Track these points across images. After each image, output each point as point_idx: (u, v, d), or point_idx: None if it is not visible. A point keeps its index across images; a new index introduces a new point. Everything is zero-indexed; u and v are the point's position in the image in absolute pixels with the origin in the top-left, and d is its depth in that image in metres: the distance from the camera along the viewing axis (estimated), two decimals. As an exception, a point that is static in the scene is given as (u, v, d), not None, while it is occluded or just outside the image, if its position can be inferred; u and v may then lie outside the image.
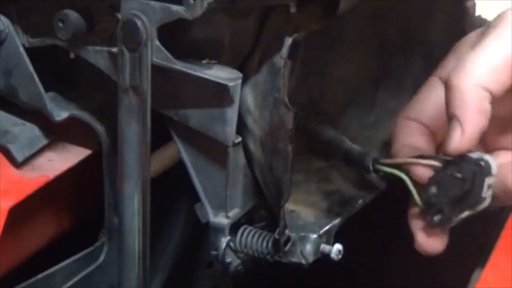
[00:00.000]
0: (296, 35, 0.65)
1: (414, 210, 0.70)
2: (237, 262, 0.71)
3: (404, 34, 0.84)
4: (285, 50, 0.65)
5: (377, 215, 0.82)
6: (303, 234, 0.71)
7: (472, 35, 0.74)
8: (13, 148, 0.75)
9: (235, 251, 0.70)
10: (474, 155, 0.67)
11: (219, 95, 0.66)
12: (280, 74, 0.65)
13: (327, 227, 0.72)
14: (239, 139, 0.69)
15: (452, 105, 0.67)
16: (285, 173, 0.65)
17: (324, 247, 0.70)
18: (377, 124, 0.83)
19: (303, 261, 0.70)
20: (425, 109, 0.74)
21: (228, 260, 0.70)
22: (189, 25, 0.64)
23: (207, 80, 0.65)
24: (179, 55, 0.65)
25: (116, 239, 0.73)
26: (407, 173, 0.70)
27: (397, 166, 0.71)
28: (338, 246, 0.70)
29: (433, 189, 0.68)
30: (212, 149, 0.69)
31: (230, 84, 0.65)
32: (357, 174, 0.79)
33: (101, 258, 0.79)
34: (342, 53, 0.85)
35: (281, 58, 0.65)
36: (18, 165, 0.76)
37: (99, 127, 0.76)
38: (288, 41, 0.64)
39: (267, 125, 0.67)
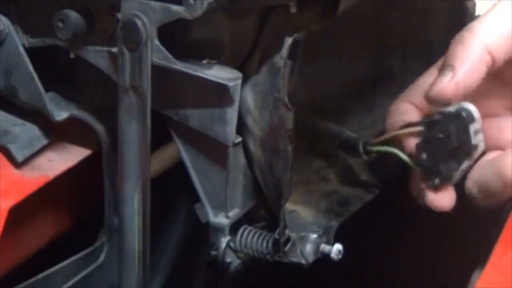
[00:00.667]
0: (296, 35, 0.65)
1: (415, 177, 0.71)
2: (237, 262, 0.71)
3: (404, 34, 0.84)
4: (285, 50, 0.65)
5: (377, 215, 0.82)
6: (303, 234, 0.71)
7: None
8: (13, 148, 0.75)
9: (235, 251, 0.70)
10: (453, 108, 0.68)
11: (219, 95, 0.66)
12: (280, 74, 0.65)
13: (327, 227, 0.72)
14: (239, 139, 0.69)
15: (453, 54, 0.68)
16: (285, 173, 0.66)
17: (324, 247, 0.70)
18: (377, 124, 0.83)
19: (303, 261, 0.70)
20: (419, 92, 0.74)
21: (228, 260, 0.70)
22: (189, 25, 0.64)
23: (207, 80, 0.65)
24: (179, 55, 0.65)
25: (116, 239, 0.73)
26: (397, 146, 0.70)
27: (386, 143, 0.72)
28: (338, 246, 0.70)
29: (424, 155, 0.69)
30: (212, 149, 0.69)
31: (230, 84, 0.65)
32: (357, 174, 0.79)
33: (101, 258, 0.79)
34: (342, 53, 0.85)
35: (281, 58, 0.65)
36: (18, 165, 0.76)
37: (99, 127, 0.76)
38: (288, 41, 0.65)
39: (267, 125, 0.67)
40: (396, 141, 0.72)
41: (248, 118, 0.69)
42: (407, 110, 0.74)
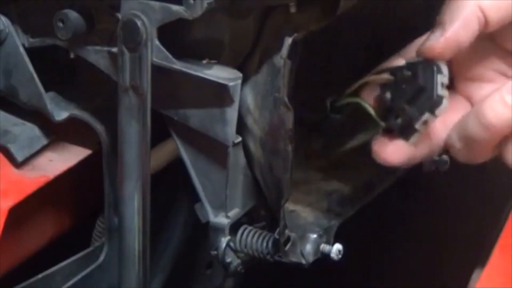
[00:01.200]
0: (296, 35, 0.65)
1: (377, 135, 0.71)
2: (237, 262, 0.71)
3: (404, 34, 0.84)
4: (285, 50, 0.65)
5: (376, 215, 0.82)
6: (303, 234, 0.71)
7: None
8: (13, 148, 0.75)
9: (235, 251, 0.70)
10: (420, 58, 0.68)
11: (219, 95, 0.66)
12: (280, 74, 0.65)
13: (327, 227, 0.72)
14: (239, 139, 0.69)
15: (445, 12, 0.68)
16: (285, 173, 0.66)
17: (324, 247, 0.70)
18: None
19: (303, 261, 0.70)
20: (414, 49, 0.74)
21: (228, 260, 0.70)
22: (189, 25, 0.64)
23: (207, 80, 0.65)
24: (179, 55, 0.65)
25: (116, 239, 0.73)
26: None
27: (357, 91, 0.72)
28: (338, 246, 0.70)
29: (388, 94, 0.68)
30: (212, 149, 0.69)
31: (230, 84, 0.65)
32: (357, 174, 0.79)
33: (101, 258, 0.79)
34: (342, 53, 0.85)
35: (281, 58, 0.65)
36: (18, 165, 0.76)
37: (99, 127, 0.76)
38: (288, 41, 0.65)
39: (267, 125, 0.67)
40: (367, 92, 0.71)
41: (248, 118, 0.69)
42: (397, 62, 0.74)
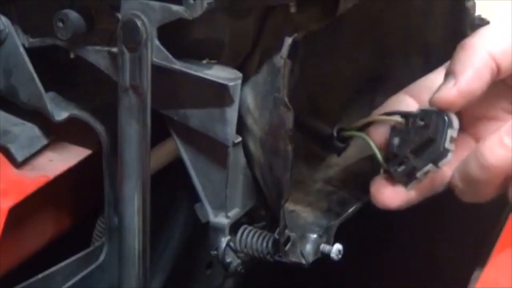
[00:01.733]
0: (296, 35, 0.65)
1: (378, 175, 0.71)
2: (237, 262, 0.71)
3: (404, 34, 0.84)
4: (285, 50, 0.65)
5: (376, 215, 0.82)
6: (303, 234, 0.71)
7: None
8: (13, 148, 0.75)
9: (235, 251, 0.70)
10: (435, 108, 0.68)
11: (219, 95, 0.66)
12: (280, 74, 0.65)
13: (327, 227, 0.72)
14: (239, 139, 0.69)
15: (456, 61, 0.67)
16: (285, 173, 0.66)
17: (324, 247, 0.70)
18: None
19: (303, 261, 0.70)
20: (425, 89, 0.74)
21: (228, 260, 0.70)
22: (189, 25, 0.64)
23: (207, 80, 0.65)
24: (179, 55, 0.65)
25: (116, 239, 0.73)
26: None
27: (364, 127, 0.72)
28: (338, 246, 0.70)
29: (396, 140, 0.68)
30: (212, 149, 0.69)
31: (230, 84, 0.65)
32: (358, 175, 0.79)
33: (101, 258, 0.79)
34: (342, 53, 0.85)
35: (281, 58, 0.65)
36: (18, 165, 0.76)
37: (99, 127, 0.76)
38: (288, 41, 0.64)
39: (267, 125, 0.67)
40: (373, 129, 0.71)
41: (248, 118, 0.69)
42: (403, 101, 0.74)
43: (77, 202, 0.83)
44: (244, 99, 0.68)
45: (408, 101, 0.74)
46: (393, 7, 0.83)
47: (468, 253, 0.71)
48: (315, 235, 0.71)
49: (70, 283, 0.77)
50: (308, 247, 0.70)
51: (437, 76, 0.74)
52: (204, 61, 0.67)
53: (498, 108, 0.72)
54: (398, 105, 0.74)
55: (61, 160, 0.78)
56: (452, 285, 0.76)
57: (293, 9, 0.66)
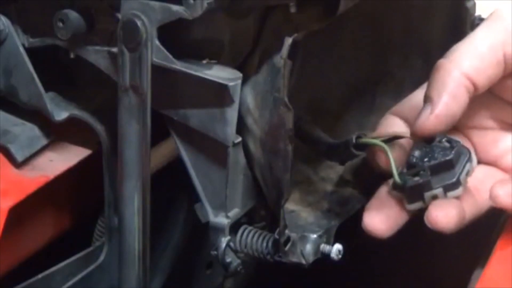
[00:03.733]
0: (296, 35, 0.65)
1: (384, 187, 0.71)
2: (237, 262, 0.71)
3: (404, 34, 0.84)
4: (285, 50, 0.65)
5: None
6: (303, 234, 0.71)
7: None
8: (13, 148, 0.75)
9: (235, 251, 0.70)
10: (459, 140, 0.68)
11: (219, 95, 0.66)
12: (280, 74, 0.65)
13: (327, 227, 0.72)
14: (239, 139, 0.69)
15: (431, 86, 0.68)
16: (285, 173, 0.66)
17: (324, 247, 0.70)
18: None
19: (303, 261, 0.70)
20: (411, 109, 0.74)
21: (228, 260, 0.70)
22: (189, 25, 0.65)
23: (207, 80, 0.65)
24: (179, 55, 0.65)
25: (116, 239, 0.73)
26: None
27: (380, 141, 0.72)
28: (338, 246, 0.70)
29: (416, 153, 0.68)
30: (212, 149, 0.69)
31: (230, 84, 0.65)
32: (358, 175, 0.79)
33: (101, 258, 0.79)
34: (342, 53, 0.85)
35: (281, 58, 0.65)
36: (18, 165, 0.76)
37: (99, 127, 0.76)
38: (288, 41, 0.64)
39: (267, 125, 0.67)
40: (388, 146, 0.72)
41: (248, 118, 0.69)
42: (396, 125, 0.74)
43: (77, 202, 0.83)
44: (244, 99, 0.68)
45: (397, 122, 0.74)
46: (393, 7, 0.83)
47: (468, 253, 0.71)
48: (315, 235, 0.71)
49: (70, 283, 0.77)
50: (308, 247, 0.70)
51: (422, 94, 0.74)
52: (204, 61, 0.67)
53: (490, 118, 0.72)
54: (388, 126, 0.74)
55: (61, 160, 0.78)
56: (452, 285, 0.76)
57: (293, 9, 0.66)
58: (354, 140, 0.73)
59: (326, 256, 0.70)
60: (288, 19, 0.68)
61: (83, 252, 0.79)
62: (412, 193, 0.69)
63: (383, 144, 0.71)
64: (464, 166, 0.67)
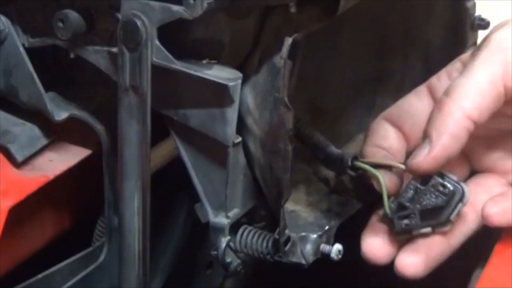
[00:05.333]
0: (296, 35, 0.65)
1: (378, 214, 0.72)
2: (237, 262, 0.71)
3: (404, 34, 0.84)
4: (285, 50, 0.64)
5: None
6: (303, 234, 0.71)
7: (464, 56, 0.74)
8: (13, 148, 0.75)
9: (235, 251, 0.70)
10: (454, 177, 0.68)
11: (219, 95, 0.66)
12: (280, 74, 0.65)
13: (327, 227, 0.72)
14: (239, 139, 0.69)
15: (432, 124, 0.67)
16: (285, 173, 0.65)
17: (324, 247, 0.70)
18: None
19: (303, 261, 0.70)
20: (405, 115, 0.74)
21: (228, 260, 0.70)
22: (189, 25, 0.64)
23: (207, 80, 0.65)
24: (179, 55, 0.65)
25: (116, 239, 0.73)
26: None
27: (376, 166, 0.72)
28: (338, 246, 0.70)
29: (410, 193, 0.69)
30: (212, 149, 0.69)
31: (230, 84, 0.65)
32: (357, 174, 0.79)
33: (101, 258, 0.79)
34: (342, 53, 0.85)
35: (281, 58, 0.65)
36: (18, 165, 0.76)
37: (99, 127, 0.76)
38: (288, 41, 0.64)
39: (267, 125, 0.67)
40: (383, 172, 0.71)
41: (248, 118, 0.69)
42: (389, 134, 0.74)
43: (77, 202, 0.83)
44: (244, 99, 0.68)
45: (391, 132, 0.74)
46: (393, 7, 0.83)
47: (468, 253, 0.71)
48: (315, 235, 0.71)
49: (70, 283, 0.77)
50: (308, 247, 0.70)
51: (417, 101, 0.74)
52: (204, 61, 0.67)
53: (484, 126, 0.71)
54: (382, 137, 0.74)
55: (61, 160, 0.78)
56: (452, 285, 0.76)
57: (293, 9, 0.66)
58: (349, 163, 0.74)
59: (326, 256, 0.70)
60: (288, 19, 0.68)
61: (83, 252, 0.79)
62: (402, 231, 0.69)
63: (377, 173, 0.71)
64: (456, 206, 0.68)
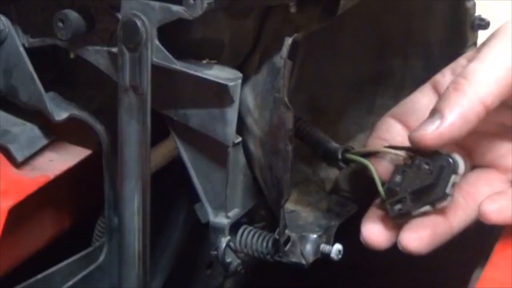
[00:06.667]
0: (296, 35, 0.65)
1: (377, 202, 0.72)
2: (237, 262, 0.71)
3: (404, 34, 0.84)
4: (285, 50, 0.65)
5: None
6: (303, 234, 0.71)
7: (469, 54, 0.74)
8: (13, 148, 0.75)
9: (235, 251, 0.70)
10: (443, 151, 0.68)
11: (219, 95, 0.66)
12: (280, 74, 0.65)
13: (327, 227, 0.72)
14: (239, 139, 0.69)
15: (445, 101, 0.67)
16: (285, 173, 0.65)
17: (324, 247, 0.70)
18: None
19: (303, 261, 0.70)
20: (410, 110, 0.74)
21: (228, 260, 0.70)
22: (189, 25, 0.65)
23: (207, 80, 0.65)
24: (179, 55, 0.65)
25: (116, 239, 0.73)
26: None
27: (366, 156, 0.72)
28: (338, 246, 0.70)
29: (398, 178, 0.69)
30: (212, 149, 0.69)
31: (230, 84, 0.65)
32: (357, 174, 0.79)
33: (101, 258, 0.79)
34: (342, 53, 0.85)
35: (281, 58, 0.65)
36: (18, 165, 0.76)
37: (99, 127, 0.76)
38: (288, 41, 0.64)
39: (267, 125, 0.67)
40: (375, 160, 0.72)
41: (248, 118, 0.69)
42: (394, 129, 0.74)
43: (77, 202, 0.83)
44: (244, 99, 0.68)
45: (395, 126, 0.74)
46: (393, 7, 0.83)
47: (468, 253, 0.71)
48: (315, 235, 0.71)
49: (70, 283, 0.77)
50: (308, 247, 0.70)
51: (421, 97, 0.74)
52: (204, 61, 0.67)
53: (486, 122, 0.71)
54: (385, 130, 0.74)
55: (61, 160, 0.78)
56: (452, 285, 0.76)
57: (293, 9, 0.66)
58: (340, 155, 0.74)
59: (326, 256, 0.70)
60: (288, 19, 0.68)
61: (83, 252, 0.80)
62: (398, 216, 0.69)
63: (367, 163, 0.71)
64: (449, 179, 0.67)
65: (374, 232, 0.70)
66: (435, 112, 0.67)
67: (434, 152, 0.68)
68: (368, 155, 0.73)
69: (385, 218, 0.70)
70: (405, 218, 0.69)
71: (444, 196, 0.68)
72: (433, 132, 0.66)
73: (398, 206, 0.69)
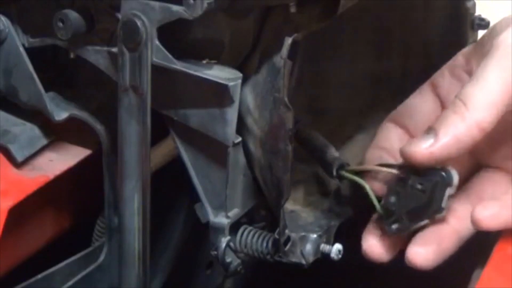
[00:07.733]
0: (296, 35, 0.65)
1: (375, 217, 0.72)
2: (237, 262, 0.71)
3: (404, 34, 0.84)
4: (285, 50, 0.65)
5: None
6: (303, 234, 0.71)
7: (466, 50, 0.74)
8: (13, 148, 0.75)
9: (235, 251, 0.70)
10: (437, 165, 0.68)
11: (219, 95, 0.66)
12: (280, 74, 0.65)
13: (327, 227, 0.72)
14: (239, 139, 0.69)
15: (442, 121, 0.67)
16: (285, 173, 0.65)
17: (324, 247, 0.70)
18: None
19: (303, 261, 0.70)
20: (409, 114, 0.74)
21: (228, 260, 0.70)
22: (189, 25, 0.64)
23: (207, 80, 0.65)
24: (179, 55, 0.65)
25: (116, 239, 0.73)
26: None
27: (361, 174, 0.72)
28: (338, 246, 0.70)
29: (392, 199, 0.69)
30: (212, 149, 0.69)
31: (230, 84, 0.65)
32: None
33: (101, 258, 0.79)
34: (342, 53, 0.85)
35: (281, 58, 0.65)
36: (18, 165, 0.76)
37: (99, 127, 0.76)
38: (288, 41, 0.64)
39: (267, 125, 0.67)
40: (370, 177, 0.72)
41: (248, 118, 0.69)
42: (395, 136, 0.74)
43: (77, 202, 0.83)
44: (244, 99, 0.68)
45: (395, 131, 0.74)
46: (393, 7, 0.83)
47: (468, 253, 0.71)
48: (315, 235, 0.71)
49: (70, 283, 0.77)
50: (308, 247, 0.70)
51: (421, 99, 0.74)
52: (204, 61, 0.67)
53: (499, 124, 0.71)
54: (385, 138, 0.74)
55: (61, 160, 0.78)
56: (452, 285, 0.76)
57: (293, 9, 0.66)
58: (335, 173, 0.74)
59: (326, 256, 0.70)
60: (288, 19, 0.68)
61: (83, 252, 0.79)
62: (397, 233, 0.69)
63: (363, 182, 0.71)
64: (443, 193, 0.67)
65: (375, 245, 0.70)
66: (430, 130, 0.67)
67: (427, 174, 0.68)
68: (363, 171, 0.73)
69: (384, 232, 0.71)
70: (404, 233, 0.70)
71: (440, 210, 0.68)
72: (425, 150, 0.66)
73: (395, 226, 0.69)
